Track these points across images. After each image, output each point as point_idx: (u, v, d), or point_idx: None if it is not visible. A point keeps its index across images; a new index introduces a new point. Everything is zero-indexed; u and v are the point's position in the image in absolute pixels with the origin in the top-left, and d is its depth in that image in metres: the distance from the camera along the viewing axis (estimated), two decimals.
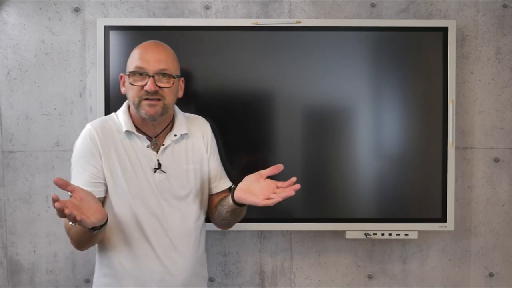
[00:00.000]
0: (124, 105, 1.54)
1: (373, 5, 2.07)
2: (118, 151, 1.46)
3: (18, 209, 2.06)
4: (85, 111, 2.05)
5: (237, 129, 1.98)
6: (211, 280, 2.12)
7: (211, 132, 1.63)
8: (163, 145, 1.50)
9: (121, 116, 1.51)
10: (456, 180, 2.07)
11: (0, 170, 2.06)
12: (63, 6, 2.03)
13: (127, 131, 1.48)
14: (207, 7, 2.05)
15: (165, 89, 1.43)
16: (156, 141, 1.50)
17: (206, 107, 1.97)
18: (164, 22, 1.96)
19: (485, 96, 2.10)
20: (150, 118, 1.44)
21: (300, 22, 1.96)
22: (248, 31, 1.96)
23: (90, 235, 1.31)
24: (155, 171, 1.48)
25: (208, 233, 2.09)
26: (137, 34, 1.95)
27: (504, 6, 2.09)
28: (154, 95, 1.42)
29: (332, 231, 2.09)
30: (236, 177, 2.01)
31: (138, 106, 1.44)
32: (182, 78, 1.56)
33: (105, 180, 1.45)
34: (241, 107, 1.98)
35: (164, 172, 1.49)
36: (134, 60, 1.45)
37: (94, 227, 1.27)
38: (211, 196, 1.62)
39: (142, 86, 1.42)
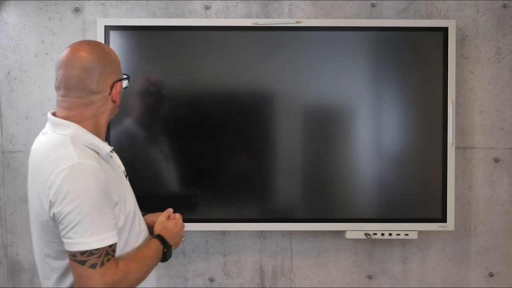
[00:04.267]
0: (75, 126, 1.27)
1: (373, 5, 2.07)
2: (112, 179, 1.27)
3: (18, 209, 2.06)
4: None
5: (237, 129, 1.98)
6: (211, 280, 2.12)
7: None
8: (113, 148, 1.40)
9: (88, 138, 1.27)
10: (456, 180, 2.07)
11: (0, 170, 2.06)
12: (63, 6, 2.04)
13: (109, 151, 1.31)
14: (207, 7, 2.06)
15: None
16: None
17: (206, 107, 1.97)
18: (164, 22, 1.96)
19: (485, 96, 2.10)
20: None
21: (300, 22, 1.96)
22: (248, 31, 1.96)
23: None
24: (127, 177, 1.38)
25: (208, 233, 2.10)
26: (137, 34, 1.95)
27: (504, 6, 2.09)
28: None
29: (332, 231, 2.09)
30: (236, 177, 2.03)
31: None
32: None
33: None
34: (241, 107, 1.98)
35: (135, 176, 1.46)
36: (119, 65, 1.37)
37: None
38: None
39: None
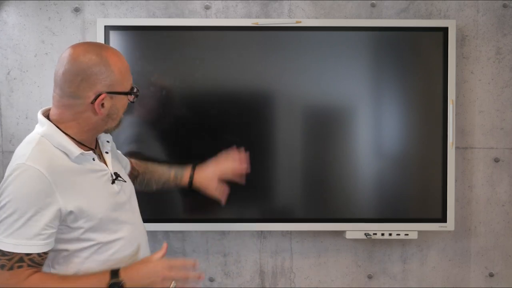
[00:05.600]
0: (49, 125, 1.26)
1: (373, 5, 2.07)
2: (75, 185, 1.23)
3: None
4: None
5: (237, 129, 1.98)
6: (211, 280, 2.12)
7: None
8: (107, 152, 1.37)
9: (59, 139, 1.24)
10: (456, 180, 2.07)
11: (0, 170, 2.06)
12: (63, 6, 2.04)
13: (79, 154, 1.25)
14: (207, 7, 2.05)
15: None
16: (98, 152, 1.36)
17: (206, 107, 1.97)
18: (164, 22, 1.96)
19: (485, 96, 2.10)
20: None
21: (300, 22, 1.96)
22: (248, 31, 1.96)
23: None
24: (113, 182, 1.32)
25: (208, 233, 2.10)
26: (137, 34, 1.95)
27: (504, 6, 2.09)
28: None
29: (332, 231, 2.09)
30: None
31: (119, 123, 1.35)
32: None
33: (58, 226, 1.22)
34: (241, 107, 1.98)
35: (125, 181, 1.38)
36: (127, 78, 1.31)
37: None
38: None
39: None
